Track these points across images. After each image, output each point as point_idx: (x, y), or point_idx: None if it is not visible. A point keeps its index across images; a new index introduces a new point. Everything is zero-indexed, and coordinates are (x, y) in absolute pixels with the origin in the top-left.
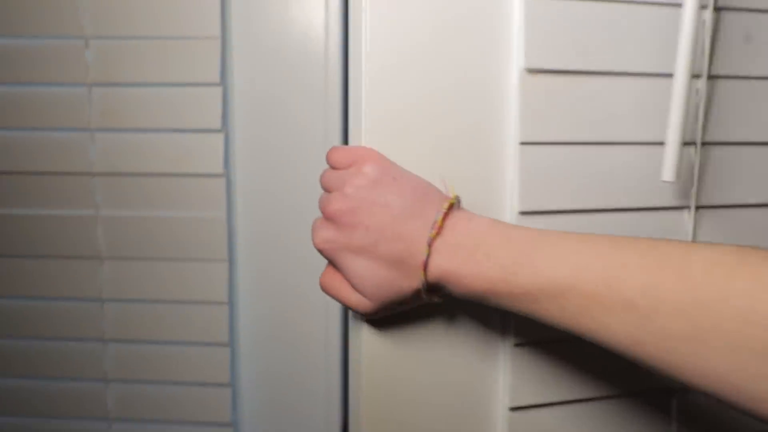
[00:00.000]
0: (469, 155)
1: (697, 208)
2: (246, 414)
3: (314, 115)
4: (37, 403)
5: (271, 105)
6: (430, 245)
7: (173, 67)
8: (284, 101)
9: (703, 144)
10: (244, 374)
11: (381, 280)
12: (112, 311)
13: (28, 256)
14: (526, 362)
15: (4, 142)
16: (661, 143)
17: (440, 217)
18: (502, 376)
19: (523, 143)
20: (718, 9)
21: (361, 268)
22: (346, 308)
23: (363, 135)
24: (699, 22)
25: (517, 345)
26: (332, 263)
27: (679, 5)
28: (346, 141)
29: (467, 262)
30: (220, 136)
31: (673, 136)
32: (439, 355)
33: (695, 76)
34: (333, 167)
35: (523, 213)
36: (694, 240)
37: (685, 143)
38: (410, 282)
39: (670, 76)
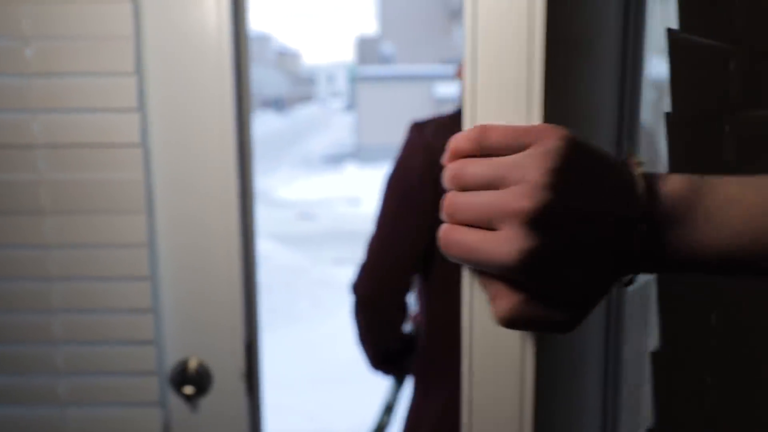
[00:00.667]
0: None
1: None
2: (168, 333)
3: (212, 92)
4: None
5: (179, 87)
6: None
7: (99, 60)
8: (188, 83)
9: None
10: (165, 300)
11: (599, 273)
12: (56, 256)
13: None
14: None
15: None
16: None
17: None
18: None
19: None
20: None
21: (577, 273)
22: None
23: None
24: None
25: None
26: (526, 280)
27: None
28: (240, 110)
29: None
30: (137, 115)
31: None
32: None
33: None
34: (490, 151)
35: None
36: None
37: None
38: (622, 257)
39: None
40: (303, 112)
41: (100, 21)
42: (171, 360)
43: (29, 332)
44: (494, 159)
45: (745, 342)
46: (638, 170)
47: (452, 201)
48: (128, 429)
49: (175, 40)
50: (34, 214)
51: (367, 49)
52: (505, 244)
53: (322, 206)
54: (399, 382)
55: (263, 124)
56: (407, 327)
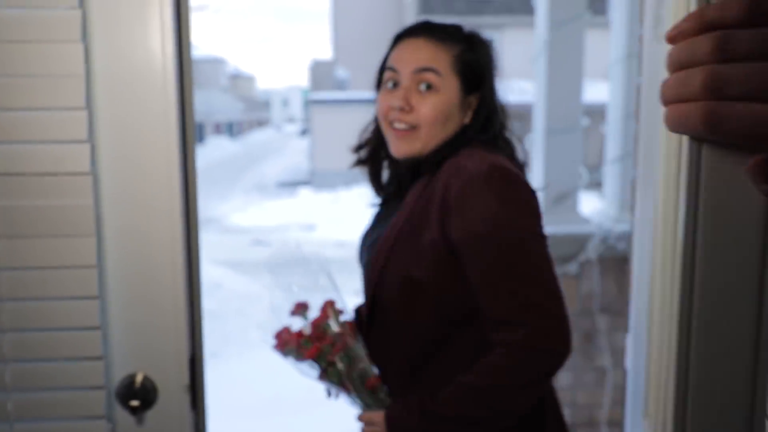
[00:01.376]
0: None
1: None
2: (115, 349)
3: (158, 122)
4: None
5: (126, 118)
6: None
7: (52, 95)
8: (135, 115)
9: None
10: (112, 317)
11: None
12: (7, 277)
13: None
14: None
15: None
16: None
17: None
18: None
19: None
20: None
21: None
22: None
23: None
24: None
25: None
26: None
27: None
28: (184, 141)
29: None
30: (87, 145)
31: None
32: None
33: None
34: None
35: None
36: None
37: None
38: None
39: None
40: (257, 137)
41: (54, 60)
42: (118, 375)
43: None
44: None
45: None
46: None
47: (721, 72)
48: None
49: (123, 76)
50: None
51: (321, 74)
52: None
53: (276, 232)
54: None
55: (217, 149)
56: None
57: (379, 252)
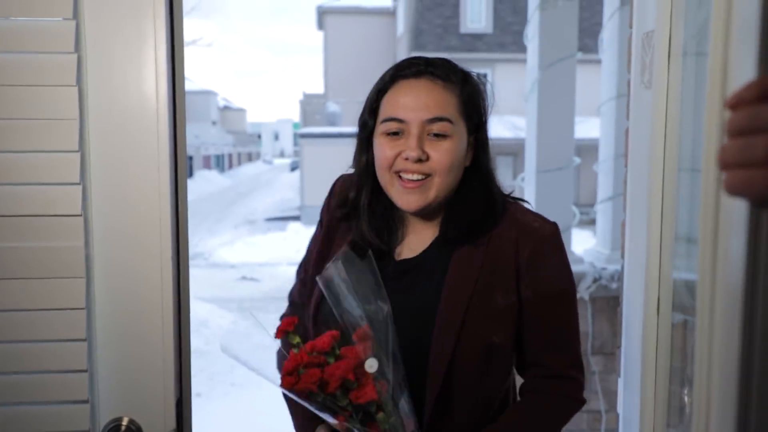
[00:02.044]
0: None
1: None
2: (101, 392)
3: (149, 164)
4: None
5: (118, 161)
6: None
7: (45, 138)
8: (127, 159)
9: None
10: (100, 361)
11: None
12: None
13: None
14: None
15: None
16: None
17: None
18: None
19: None
20: None
21: None
22: None
23: None
24: None
25: None
26: None
27: None
28: (176, 182)
29: None
30: (79, 187)
31: None
32: None
33: None
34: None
35: None
36: None
37: None
38: None
39: None
40: (247, 171)
41: (48, 103)
42: (104, 419)
43: None
44: None
45: None
46: None
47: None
48: None
49: (116, 118)
50: None
51: (312, 108)
52: None
53: (265, 268)
54: None
55: (206, 183)
56: None
57: (447, 324)
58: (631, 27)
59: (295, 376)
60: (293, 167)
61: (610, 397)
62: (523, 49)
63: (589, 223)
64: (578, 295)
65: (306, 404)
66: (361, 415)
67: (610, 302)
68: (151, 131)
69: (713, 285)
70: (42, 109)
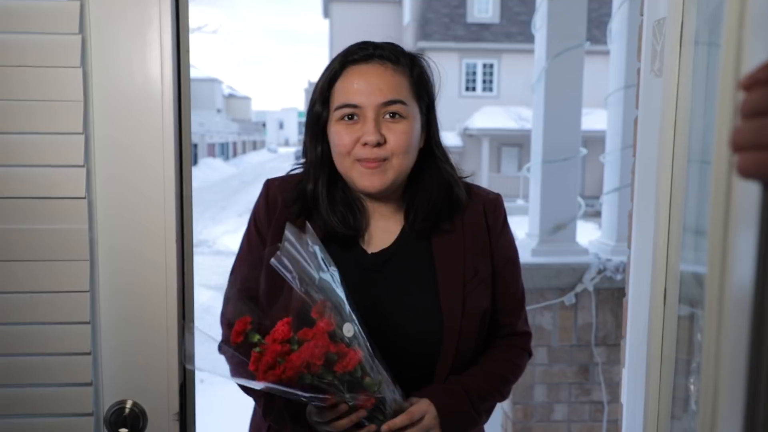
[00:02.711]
0: None
1: None
2: (105, 375)
3: (154, 147)
4: None
5: (123, 144)
6: None
7: (50, 120)
8: (132, 142)
9: None
10: (103, 344)
11: None
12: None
13: None
14: None
15: None
16: None
17: None
18: None
19: None
20: None
21: None
22: None
23: None
24: None
25: None
26: None
27: None
28: (180, 168)
29: None
30: (83, 170)
31: None
32: None
33: None
34: None
35: None
36: None
37: None
38: None
39: None
40: (251, 159)
41: (53, 85)
42: (108, 401)
43: None
44: None
45: None
46: None
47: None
48: None
49: (121, 100)
50: None
51: None
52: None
53: None
54: None
55: (210, 171)
56: None
57: (453, 309)
58: (641, 15)
59: (280, 368)
60: (297, 156)
61: (613, 388)
62: (529, 39)
63: (594, 215)
64: (582, 287)
65: (293, 391)
66: (346, 386)
67: (614, 294)
68: (156, 115)
69: (723, 278)
70: (46, 90)
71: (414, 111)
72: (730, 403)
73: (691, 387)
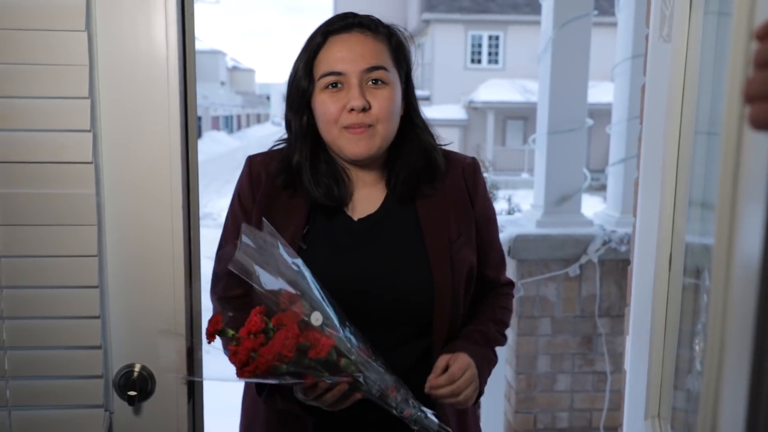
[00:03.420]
0: None
1: None
2: (114, 339)
3: (160, 113)
4: None
5: (129, 109)
6: None
7: (55, 84)
8: (138, 106)
9: None
10: (112, 308)
11: None
12: (6, 266)
13: None
14: None
15: None
16: None
17: None
18: None
19: None
20: None
21: None
22: None
23: None
24: None
25: None
26: None
27: None
28: (186, 135)
29: None
30: (89, 135)
31: None
32: None
33: None
34: None
35: None
36: None
37: None
38: None
39: None
40: (256, 132)
41: (57, 49)
42: (116, 365)
43: None
44: None
45: None
46: None
47: None
48: (73, 430)
49: (126, 66)
50: None
51: None
52: None
53: None
54: None
55: (214, 144)
56: None
57: (442, 268)
58: None
59: (252, 365)
60: None
61: (616, 358)
62: (536, 10)
63: (599, 188)
64: (587, 258)
65: (274, 381)
66: (323, 367)
67: (618, 265)
68: (161, 80)
69: (730, 249)
70: (51, 54)
71: (394, 78)
72: (735, 362)
73: (696, 348)
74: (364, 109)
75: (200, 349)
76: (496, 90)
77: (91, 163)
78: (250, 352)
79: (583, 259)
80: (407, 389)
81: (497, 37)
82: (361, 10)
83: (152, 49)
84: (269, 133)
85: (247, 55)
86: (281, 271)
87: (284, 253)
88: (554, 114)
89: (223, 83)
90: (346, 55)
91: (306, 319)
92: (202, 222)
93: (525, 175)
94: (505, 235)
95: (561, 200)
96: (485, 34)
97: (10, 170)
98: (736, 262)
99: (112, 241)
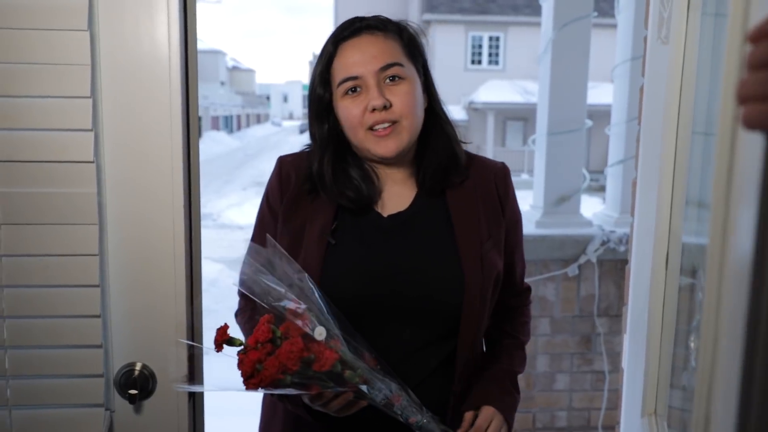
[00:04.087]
0: None
1: None
2: (115, 338)
3: (162, 113)
4: None
5: (130, 109)
6: None
7: (57, 84)
8: (140, 105)
9: None
10: (113, 307)
11: None
12: (7, 265)
13: None
14: None
15: None
16: None
17: None
18: None
19: None
20: None
21: None
22: None
23: None
24: None
25: None
26: None
27: None
28: (187, 135)
29: None
30: (91, 134)
31: None
32: None
33: None
34: None
35: None
36: None
37: None
38: None
39: None
40: (256, 132)
41: (60, 48)
42: (117, 364)
43: None
44: None
45: None
46: None
47: None
48: (74, 429)
49: (128, 65)
50: None
51: None
52: None
53: None
54: None
55: (214, 144)
56: None
57: (473, 267)
58: None
59: (258, 377)
60: (302, 129)
61: (614, 358)
62: (536, 12)
63: (598, 189)
64: (586, 258)
65: (279, 392)
66: (328, 378)
67: (617, 265)
68: (164, 80)
69: (723, 249)
70: (54, 53)
71: (412, 72)
72: (728, 358)
73: (692, 344)
74: (386, 107)
75: (202, 353)
76: (497, 91)
77: (93, 162)
78: (256, 363)
79: (582, 260)
80: (412, 396)
81: (497, 38)
82: (363, 10)
83: (154, 49)
84: (269, 133)
85: (247, 55)
86: (287, 284)
87: (289, 266)
88: (554, 115)
89: (223, 83)
90: (359, 59)
91: (309, 333)
92: (201, 222)
93: (525, 176)
94: None
95: (560, 201)
96: (485, 35)
97: (12, 169)
98: (729, 260)
99: (113, 241)
